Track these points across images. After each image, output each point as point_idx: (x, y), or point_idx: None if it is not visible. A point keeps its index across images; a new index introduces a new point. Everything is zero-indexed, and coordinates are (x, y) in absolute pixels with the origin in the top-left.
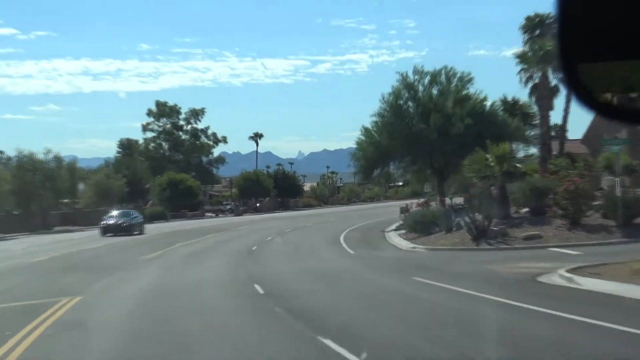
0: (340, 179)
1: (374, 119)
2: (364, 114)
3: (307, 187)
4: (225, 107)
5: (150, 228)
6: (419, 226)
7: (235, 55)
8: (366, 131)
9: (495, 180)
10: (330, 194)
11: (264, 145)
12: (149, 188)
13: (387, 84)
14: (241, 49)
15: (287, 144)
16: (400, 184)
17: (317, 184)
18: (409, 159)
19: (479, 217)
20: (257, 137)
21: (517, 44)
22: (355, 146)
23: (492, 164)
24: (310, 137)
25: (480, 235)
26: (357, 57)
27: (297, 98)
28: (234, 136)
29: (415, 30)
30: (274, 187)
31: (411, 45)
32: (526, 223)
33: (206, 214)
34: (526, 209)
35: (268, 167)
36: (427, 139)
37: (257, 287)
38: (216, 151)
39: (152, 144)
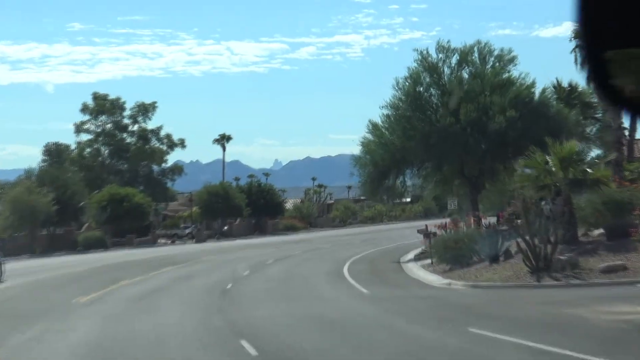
0: (330, 194)
1: (385, 111)
2: (359, 112)
3: (289, 204)
4: (181, 103)
5: (85, 260)
6: (450, 254)
7: (193, 38)
8: (375, 128)
9: (553, 192)
10: (319, 213)
11: (230, 152)
12: (84, 207)
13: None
14: (201, 29)
15: (260, 151)
16: (408, 200)
17: (302, 201)
18: (431, 165)
19: (536, 241)
20: (223, 140)
21: (555, 20)
22: (354, 153)
23: (553, 168)
24: (289, 142)
25: (542, 266)
26: (349, 38)
27: (272, 92)
28: (192, 140)
29: (423, 4)
30: (247, 205)
31: (417, 24)
32: (602, 249)
33: (159, 240)
34: (600, 231)
35: (237, 179)
36: (456, 137)
37: (245, 343)
38: (171, 158)
39: (88, 150)
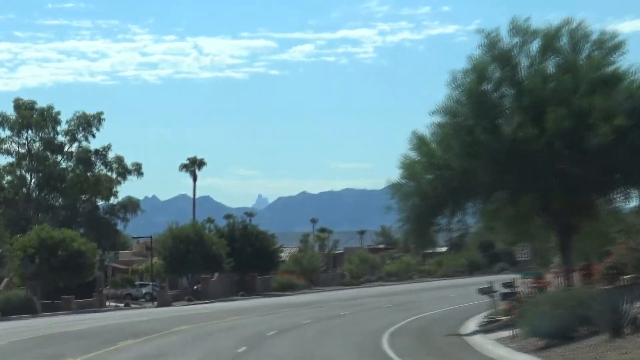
0: (336, 241)
1: (437, 118)
2: (372, 132)
3: (283, 254)
4: (131, 121)
5: (3, 330)
6: (547, 324)
7: (148, 32)
8: (421, 143)
9: None
10: (325, 266)
11: (198, 186)
12: (4, 255)
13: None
14: (159, 20)
15: (238, 184)
16: (443, 249)
17: (300, 250)
18: (503, 196)
19: None
20: (194, 166)
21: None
22: (394, 180)
23: None
24: (277, 173)
25: None
26: (358, 34)
27: (254, 105)
28: (147, 170)
29: None
30: (228, 255)
31: (449, 15)
32: None
33: (107, 302)
34: None
35: (210, 220)
36: (540, 156)
37: None
38: (123, 191)
39: (8, 178)
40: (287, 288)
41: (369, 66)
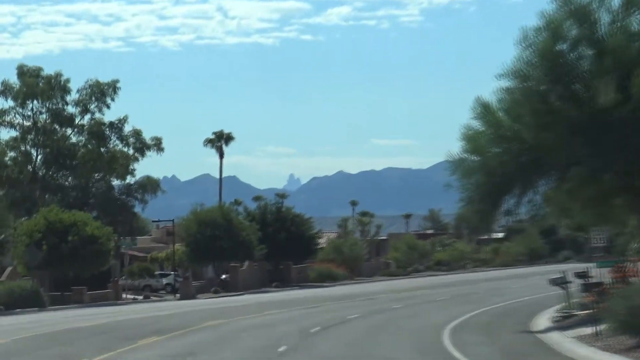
0: (379, 226)
1: (505, 83)
2: (420, 105)
3: (321, 240)
4: (148, 92)
5: (9, 325)
6: (638, 320)
7: None
8: (486, 111)
9: None
10: (370, 254)
11: (224, 164)
12: (5, 241)
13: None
14: None
15: (267, 163)
16: (500, 235)
17: (339, 235)
18: (581, 172)
19: None
20: (220, 141)
21: None
22: (452, 153)
23: None
24: (311, 150)
25: None
26: None
27: (286, 75)
28: (166, 147)
29: None
30: (260, 242)
31: None
32: None
33: (124, 294)
34: None
35: (238, 202)
36: (625, 126)
37: None
38: (140, 169)
39: (11, 154)
40: (326, 278)
41: (413, 30)
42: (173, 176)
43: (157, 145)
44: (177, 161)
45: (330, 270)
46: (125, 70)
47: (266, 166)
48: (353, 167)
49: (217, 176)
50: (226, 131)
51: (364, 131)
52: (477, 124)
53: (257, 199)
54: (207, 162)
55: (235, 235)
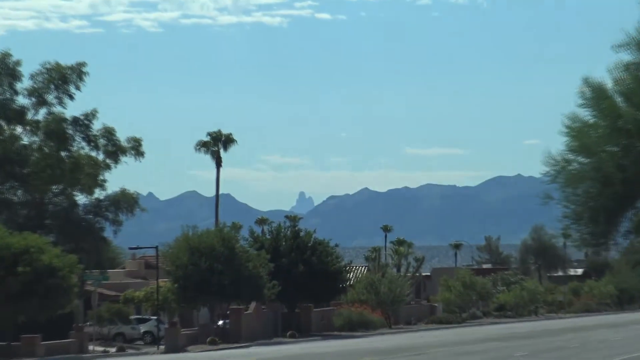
0: (418, 259)
1: (625, 56)
2: (470, 103)
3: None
4: (118, 82)
5: None
6: None
7: None
8: (597, 96)
9: None
10: (414, 294)
11: (213, 178)
12: None
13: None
14: None
15: (270, 177)
16: (579, 272)
17: (369, 270)
18: None
19: None
20: (217, 144)
21: None
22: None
23: None
24: (328, 161)
25: None
26: None
27: (294, 64)
28: (146, 152)
29: None
30: (269, 278)
31: None
32: None
33: (90, 346)
34: None
35: (236, 226)
36: None
37: None
38: (113, 181)
39: None
40: (357, 326)
41: (463, 8)
42: (150, 194)
43: (136, 149)
44: (155, 174)
45: (362, 315)
46: (92, 58)
47: (270, 182)
48: (381, 183)
49: (206, 193)
50: (225, 131)
51: (396, 137)
52: (586, 114)
53: (261, 222)
54: (193, 176)
55: (239, 268)
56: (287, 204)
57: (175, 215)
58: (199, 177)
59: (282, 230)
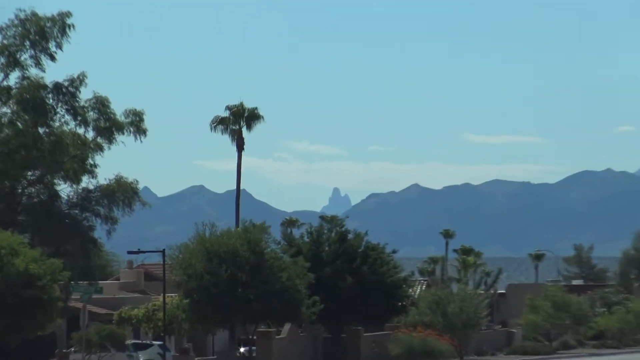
0: (486, 273)
1: None
2: (544, 79)
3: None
4: (110, 46)
5: None
6: None
7: None
8: None
9: None
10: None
11: (227, 170)
12: None
13: None
14: None
15: (297, 170)
16: None
17: (429, 285)
18: None
19: None
20: (238, 122)
21: None
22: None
23: None
24: (368, 151)
25: None
26: None
27: (327, 28)
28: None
29: None
30: (308, 294)
31: None
32: None
33: None
34: None
35: (265, 226)
36: None
37: None
38: (105, 166)
39: None
40: (420, 356)
41: None
42: (145, 189)
43: (136, 125)
44: (153, 164)
45: (426, 342)
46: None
47: (296, 175)
48: (435, 178)
49: (215, 189)
50: (248, 106)
51: (454, 121)
52: None
53: (289, 224)
54: (200, 167)
55: (270, 279)
56: (317, 204)
57: (176, 216)
58: (206, 168)
59: (325, 231)
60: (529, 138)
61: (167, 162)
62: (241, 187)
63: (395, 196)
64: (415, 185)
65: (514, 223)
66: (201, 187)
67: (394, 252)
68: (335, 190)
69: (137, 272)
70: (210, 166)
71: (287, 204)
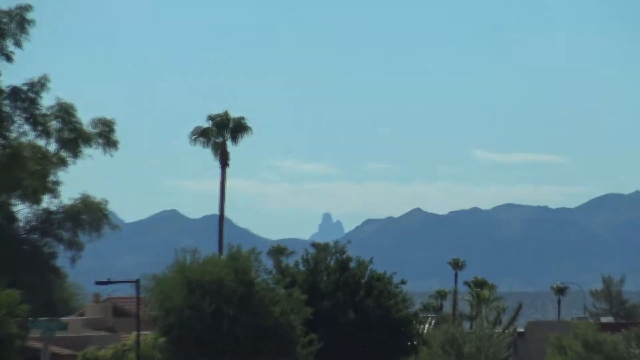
0: (501, 309)
1: None
2: (565, 93)
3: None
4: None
5: None
6: None
7: None
8: None
9: None
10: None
11: (204, 191)
12: None
13: None
14: None
15: (283, 192)
16: None
17: (441, 322)
18: None
19: None
20: (221, 133)
21: None
22: None
23: None
24: (363, 169)
25: None
26: None
27: (319, 27)
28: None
29: None
30: (305, 330)
31: None
32: None
33: None
34: None
35: (255, 252)
36: None
37: None
38: (70, 184)
39: None
40: None
41: None
42: (110, 213)
43: (105, 136)
44: (120, 186)
45: None
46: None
47: (281, 197)
48: (440, 202)
49: (190, 214)
50: (234, 116)
51: (461, 136)
52: None
53: (277, 252)
54: (173, 190)
55: (261, 314)
56: (306, 231)
57: (145, 245)
58: (181, 189)
59: (323, 259)
60: (547, 156)
61: (135, 182)
62: (216, 212)
63: (395, 222)
64: (417, 210)
65: (529, 253)
66: (174, 211)
67: (403, 282)
68: (326, 216)
69: (105, 307)
70: (186, 187)
71: (272, 232)
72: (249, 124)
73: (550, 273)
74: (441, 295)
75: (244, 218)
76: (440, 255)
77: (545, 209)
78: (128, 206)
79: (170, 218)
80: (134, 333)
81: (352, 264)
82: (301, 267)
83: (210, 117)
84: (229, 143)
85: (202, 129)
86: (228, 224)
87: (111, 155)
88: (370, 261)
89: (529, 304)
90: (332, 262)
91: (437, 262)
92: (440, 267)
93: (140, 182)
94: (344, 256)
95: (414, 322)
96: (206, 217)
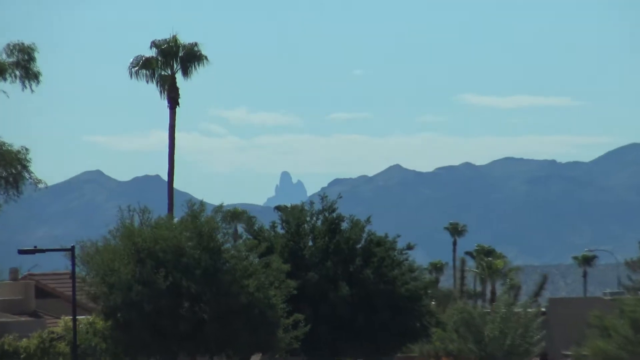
0: (511, 282)
1: None
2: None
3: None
4: None
5: None
6: None
7: None
8: None
9: None
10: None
11: (128, 150)
12: None
13: None
14: None
15: (232, 147)
16: None
17: (454, 300)
18: None
19: None
20: (171, 62)
21: None
22: None
23: None
24: (328, 119)
25: None
26: None
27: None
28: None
29: None
30: (288, 310)
31: None
32: None
33: None
34: None
35: (224, 211)
36: None
37: None
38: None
39: None
40: None
41: None
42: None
43: (24, 66)
44: (33, 136)
45: None
46: None
47: (229, 155)
48: (423, 157)
49: (116, 175)
50: (184, 42)
51: (448, 77)
52: None
53: (232, 217)
54: (94, 145)
55: (232, 290)
56: (261, 194)
57: (64, 214)
58: (104, 145)
59: (308, 217)
60: (555, 99)
61: (52, 136)
62: (154, 173)
63: (369, 182)
64: (396, 167)
65: (533, 218)
66: (97, 172)
67: (410, 248)
68: (285, 176)
69: (25, 286)
70: (110, 143)
71: (219, 196)
72: (204, 52)
73: (558, 242)
74: (437, 267)
75: (184, 180)
76: (424, 220)
77: (552, 163)
78: (41, 164)
79: (92, 179)
80: (64, 317)
81: (344, 225)
82: (280, 229)
83: (155, 44)
84: (178, 76)
85: (144, 58)
86: (163, 187)
87: (31, 90)
88: (368, 221)
89: (535, 280)
90: (319, 223)
91: (422, 229)
92: (426, 235)
93: (59, 134)
94: (335, 214)
95: (424, 297)
96: (136, 179)
